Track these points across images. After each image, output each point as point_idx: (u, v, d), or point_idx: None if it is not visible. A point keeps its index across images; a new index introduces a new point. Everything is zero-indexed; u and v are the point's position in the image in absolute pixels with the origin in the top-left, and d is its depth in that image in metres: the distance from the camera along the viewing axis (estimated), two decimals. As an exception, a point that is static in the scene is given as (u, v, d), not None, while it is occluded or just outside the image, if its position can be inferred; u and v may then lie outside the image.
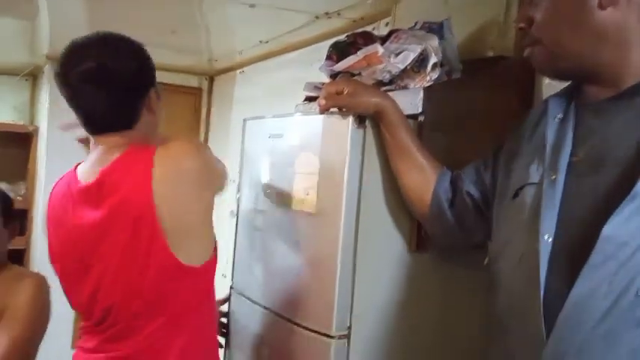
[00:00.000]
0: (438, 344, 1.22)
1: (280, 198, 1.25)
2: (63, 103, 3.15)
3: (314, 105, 1.39)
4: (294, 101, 1.54)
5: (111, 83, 1.04)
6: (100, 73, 1.03)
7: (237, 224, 1.48)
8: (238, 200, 1.48)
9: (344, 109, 1.10)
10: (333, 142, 1.12)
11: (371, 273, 1.12)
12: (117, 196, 1.02)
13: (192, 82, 3.41)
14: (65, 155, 3.07)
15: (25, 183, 3.45)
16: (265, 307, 1.28)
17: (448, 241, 1.12)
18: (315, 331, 1.11)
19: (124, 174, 1.03)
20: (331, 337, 1.09)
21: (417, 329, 1.19)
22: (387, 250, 1.15)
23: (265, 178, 1.33)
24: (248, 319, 1.32)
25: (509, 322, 0.86)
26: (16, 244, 1.95)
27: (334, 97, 1.08)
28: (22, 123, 3.62)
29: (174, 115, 3.39)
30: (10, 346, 1.33)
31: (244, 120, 1.50)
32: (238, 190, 1.50)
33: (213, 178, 1.15)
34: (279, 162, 1.28)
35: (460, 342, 1.22)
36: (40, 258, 3.18)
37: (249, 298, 1.35)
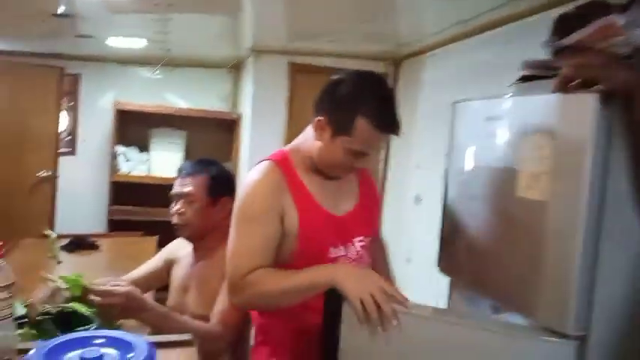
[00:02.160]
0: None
1: (500, 184, 1.19)
2: (265, 92, 3.40)
3: (533, 85, 1.29)
4: (494, 83, 1.44)
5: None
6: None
7: (444, 210, 1.45)
8: (446, 187, 1.45)
9: (588, 85, 0.99)
10: (572, 123, 1.02)
11: (615, 269, 1.01)
12: None
13: (378, 68, 3.45)
14: (265, 138, 3.37)
15: (230, 164, 3.87)
16: (482, 297, 1.24)
17: None
18: (546, 328, 1.04)
19: None
20: (567, 336, 1.01)
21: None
22: (633, 245, 1.02)
23: (480, 163, 1.27)
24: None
25: None
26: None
27: (582, 69, 0.98)
28: (226, 111, 4.04)
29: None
30: (228, 309, 1.48)
31: (453, 103, 1.46)
32: (445, 176, 1.47)
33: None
34: (498, 146, 1.21)
35: None
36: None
37: (461, 288, 1.33)
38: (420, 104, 3.10)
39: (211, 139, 3.98)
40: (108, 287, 1.36)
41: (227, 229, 1.62)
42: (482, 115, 1.29)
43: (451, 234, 1.40)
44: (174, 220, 1.61)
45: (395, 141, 3.44)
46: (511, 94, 1.35)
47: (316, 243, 1.27)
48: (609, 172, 0.98)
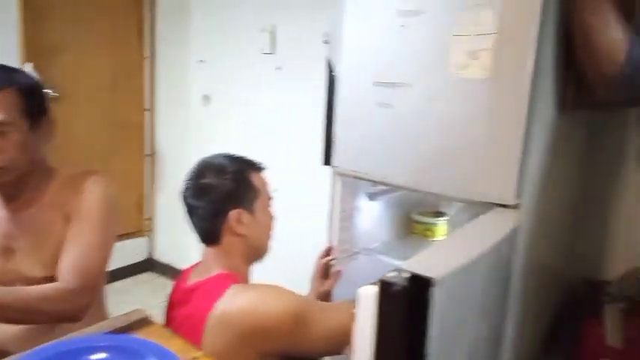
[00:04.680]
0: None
1: (424, 65, 1.12)
2: None
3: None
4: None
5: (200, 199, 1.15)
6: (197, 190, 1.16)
7: (331, 105, 1.32)
8: (331, 81, 1.31)
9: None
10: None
11: (534, 138, 1.08)
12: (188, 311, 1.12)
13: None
14: None
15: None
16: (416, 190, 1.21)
17: (625, 103, 1.11)
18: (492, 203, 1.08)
19: (201, 298, 1.10)
20: (509, 206, 1.06)
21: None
22: (545, 112, 1.11)
23: (394, 44, 1.17)
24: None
25: None
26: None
27: None
28: None
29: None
30: (86, 253, 1.15)
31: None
32: (329, 67, 1.32)
33: None
34: (418, 24, 1.12)
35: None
36: None
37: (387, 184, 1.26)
38: None
39: None
40: None
41: (45, 162, 1.19)
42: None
43: (352, 131, 1.29)
44: None
45: (164, 32, 3.00)
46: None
47: None
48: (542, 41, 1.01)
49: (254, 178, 1.19)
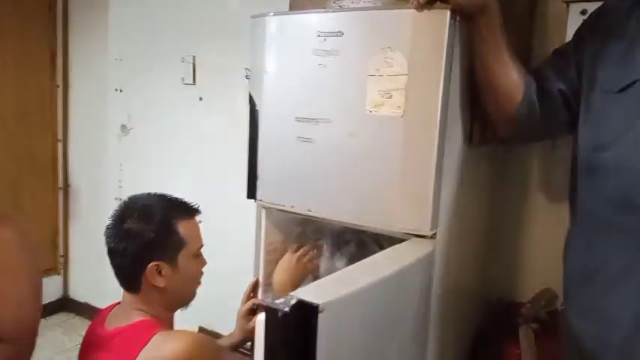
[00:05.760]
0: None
1: (343, 103, 1.16)
2: None
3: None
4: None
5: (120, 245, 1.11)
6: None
7: (255, 139, 1.33)
8: (253, 112, 1.32)
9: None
10: (426, 39, 1.05)
11: (446, 172, 1.14)
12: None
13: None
14: None
15: None
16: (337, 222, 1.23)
17: (524, 139, 1.20)
18: (407, 233, 1.12)
19: (124, 345, 1.07)
20: (426, 237, 1.11)
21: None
22: (455, 147, 1.18)
23: (314, 82, 1.20)
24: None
25: (622, 207, 0.94)
26: None
27: None
28: None
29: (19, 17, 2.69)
30: (19, 307, 1.11)
31: (252, 17, 1.30)
32: (251, 102, 1.33)
33: None
34: (335, 64, 1.16)
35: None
36: None
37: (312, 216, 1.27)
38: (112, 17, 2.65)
39: None
40: None
41: None
42: (313, 31, 1.18)
43: (275, 167, 1.30)
44: None
45: (79, 59, 2.88)
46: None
47: None
48: (451, 82, 1.07)
49: (182, 226, 1.14)
